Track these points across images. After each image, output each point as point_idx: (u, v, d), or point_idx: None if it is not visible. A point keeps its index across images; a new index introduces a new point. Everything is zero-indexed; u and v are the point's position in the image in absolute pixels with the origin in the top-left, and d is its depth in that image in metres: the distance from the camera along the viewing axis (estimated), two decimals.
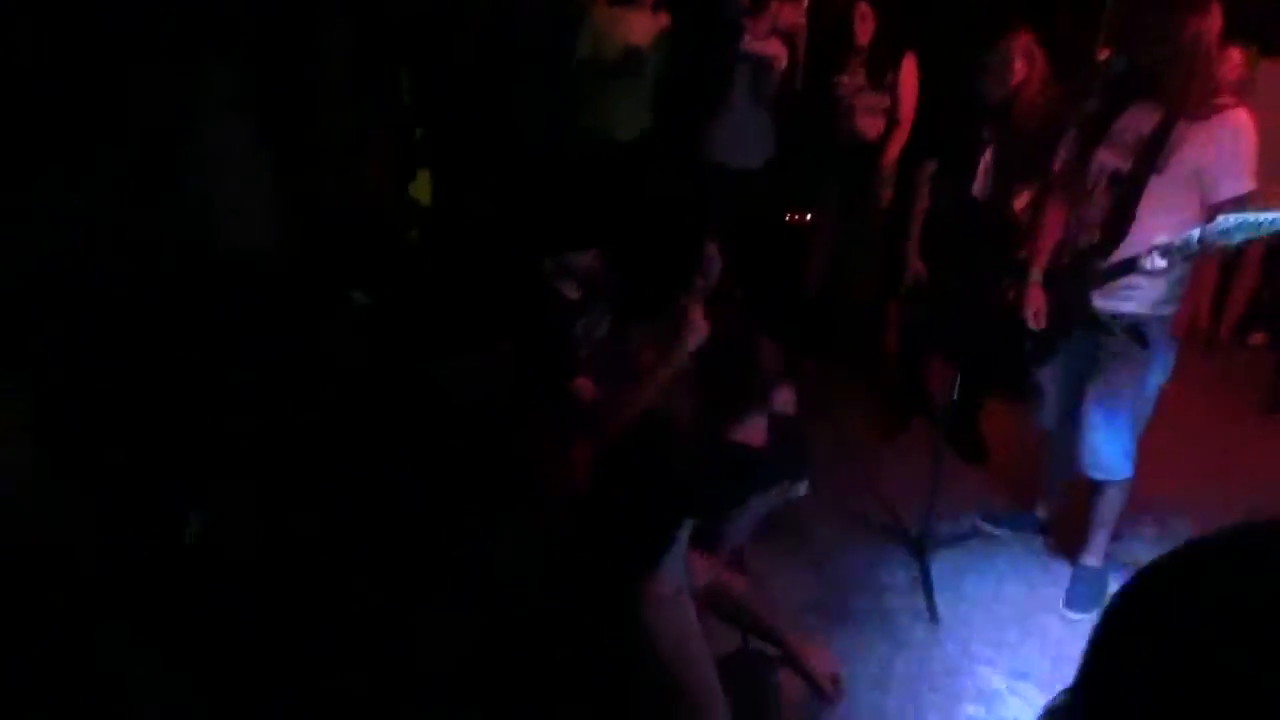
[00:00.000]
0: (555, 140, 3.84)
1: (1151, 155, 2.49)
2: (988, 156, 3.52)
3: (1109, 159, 2.60)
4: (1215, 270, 4.63)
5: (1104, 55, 3.14)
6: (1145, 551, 3.26)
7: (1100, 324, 2.70)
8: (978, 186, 3.55)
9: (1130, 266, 2.55)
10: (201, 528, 2.08)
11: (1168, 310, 2.70)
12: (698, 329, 2.27)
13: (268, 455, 2.16)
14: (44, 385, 1.98)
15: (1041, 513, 3.35)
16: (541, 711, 1.38)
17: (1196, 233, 2.40)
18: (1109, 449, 2.83)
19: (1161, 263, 2.47)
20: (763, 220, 4.33)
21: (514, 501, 1.75)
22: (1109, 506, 2.98)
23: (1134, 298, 2.65)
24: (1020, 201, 3.81)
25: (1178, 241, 2.44)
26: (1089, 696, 0.81)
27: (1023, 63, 3.39)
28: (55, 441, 1.94)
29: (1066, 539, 3.24)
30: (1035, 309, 2.80)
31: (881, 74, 3.98)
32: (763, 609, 2.11)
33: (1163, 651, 0.74)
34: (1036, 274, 2.80)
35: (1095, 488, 2.98)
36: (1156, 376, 2.88)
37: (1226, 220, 2.33)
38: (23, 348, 2.00)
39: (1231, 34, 4.25)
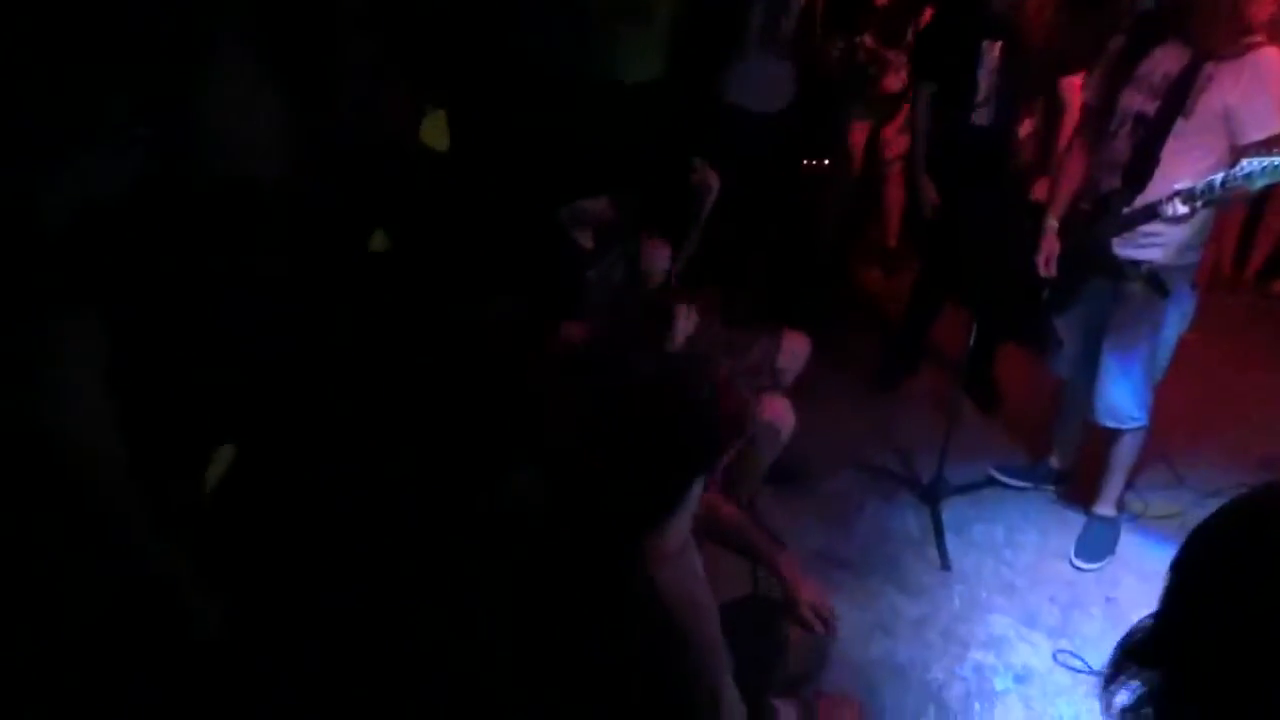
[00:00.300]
0: (567, 82, 3.77)
1: (1179, 97, 2.43)
2: (991, 79, 3.39)
3: (1134, 101, 2.53)
4: (1240, 216, 4.59)
5: None
6: (1159, 502, 3.25)
7: (1120, 271, 2.65)
8: (980, 113, 3.42)
9: (1151, 213, 2.50)
10: (224, 468, 2.09)
11: (1190, 259, 2.65)
12: (684, 326, 2.28)
13: (288, 396, 2.16)
14: (116, 328, 1.96)
15: (1055, 462, 3.33)
16: (546, 669, 1.39)
17: (1219, 177, 2.35)
18: (1124, 398, 2.81)
19: (1183, 209, 2.42)
20: (780, 165, 4.27)
21: (522, 451, 1.75)
22: (1123, 456, 2.96)
23: (1155, 245, 2.60)
24: (1025, 128, 3.71)
25: (1199, 186, 2.38)
26: (1173, 620, 0.82)
27: None
28: (128, 389, 1.93)
29: (1079, 488, 3.23)
30: (1048, 255, 2.76)
31: (901, 31, 3.90)
32: (754, 532, 2.11)
33: (1249, 580, 0.76)
34: (1053, 221, 2.75)
35: (1109, 437, 2.96)
36: (1175, 325, 2.84)
37: (1250, 164, 2.28)
38: (94, 287, 1.97)
39: None
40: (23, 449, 1.67)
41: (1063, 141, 2.97)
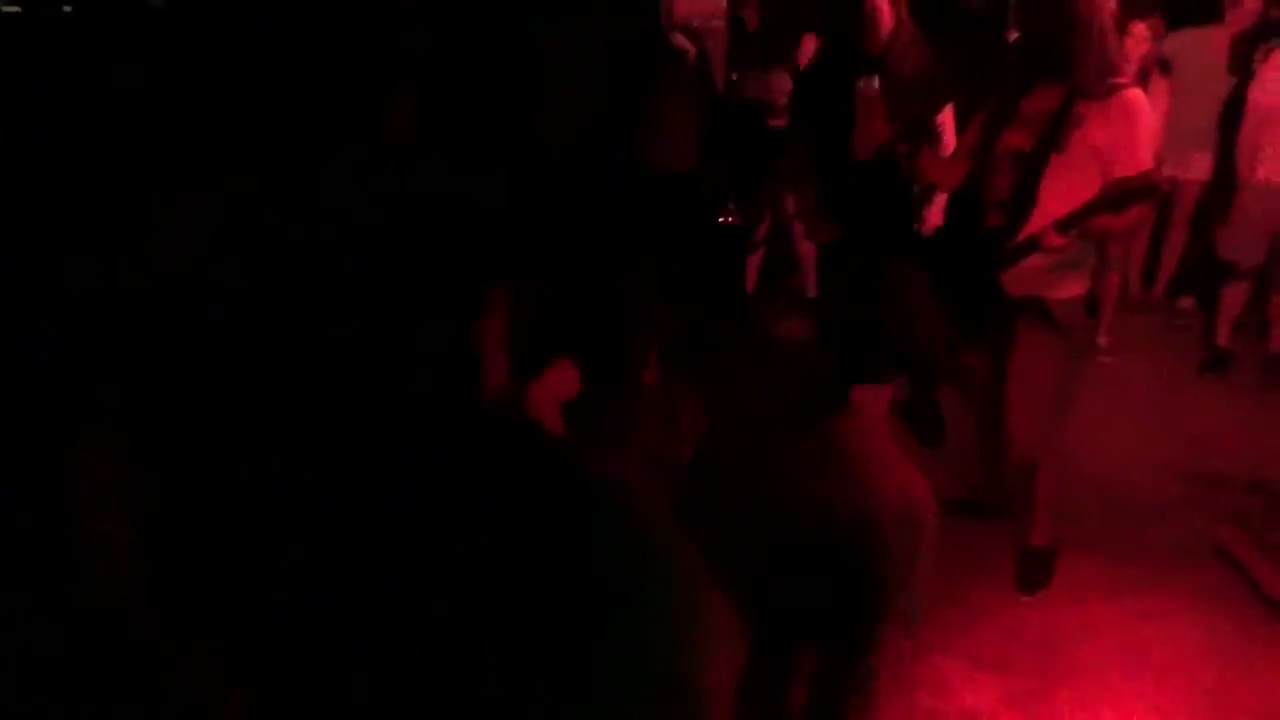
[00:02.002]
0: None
1: (1053, 134, 2.52)
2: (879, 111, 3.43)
3: (1014, 138, 2.62)
4: (1146, 237, 4.75)
5: (1013, 36, 3.16)
6: (1092, 526, 3.28)
7: (1012, 307, 2.71)
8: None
9: (1031, 246, 2.58)
10: None
11: (1074, 289, 2.72)
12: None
13: None
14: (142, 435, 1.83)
15: (988, 497, 3.35)
16: None
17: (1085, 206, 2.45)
18: (1034, 430, 2.84)
19: (1059, 240, 2.49)
20: (697, 224, 4.31)
21: None
22: (1045, 485, 2.99)
23: (1039, 279, 2.66)
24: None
25: (1069, 217, 2.47)
26: None
27: (889, 9, 3.31)
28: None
29: (1014, 521, 3.24)
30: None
31: (783, 53, 3.99)
32: None
33: None
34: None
35: (1029, 469, 2.99)
36: (1077, 354, 2.90)
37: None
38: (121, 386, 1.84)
39: (1139, 7, 4.35)
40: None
41: (934, 173, 3.02)
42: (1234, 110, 4.17)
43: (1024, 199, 2.58)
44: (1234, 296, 4.37)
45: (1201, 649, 2.77)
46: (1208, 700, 2.59)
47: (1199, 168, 4.41)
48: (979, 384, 3.01)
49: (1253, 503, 3.39)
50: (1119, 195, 2.41)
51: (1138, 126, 2.49)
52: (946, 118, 3.54)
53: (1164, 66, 4.33)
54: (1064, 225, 2.49)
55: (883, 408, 2.03)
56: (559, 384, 2.15)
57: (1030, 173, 2.56)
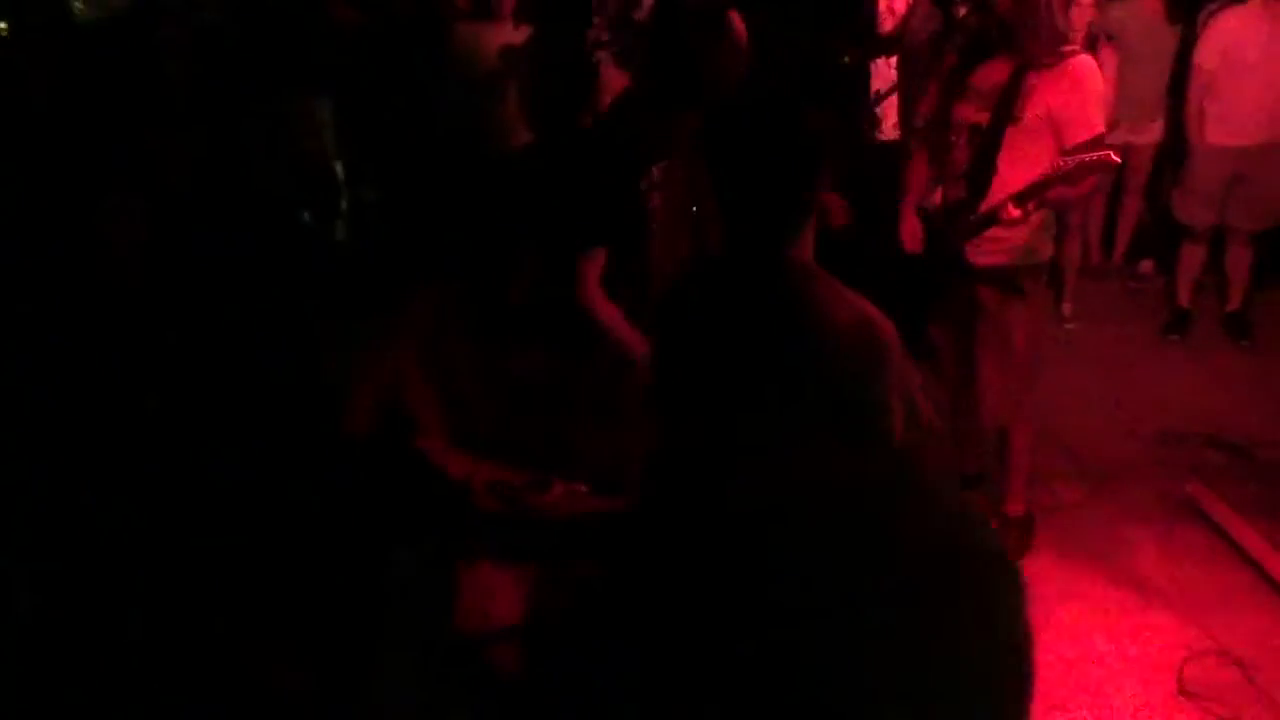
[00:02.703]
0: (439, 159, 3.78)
1: (1007, 105, 2.56)
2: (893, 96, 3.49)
3: (968, 112, 2.66)
4: (1103, 204, 4.82)
5: (963, 11, 3.20)
6: (1067, 490, 3.33)
7: (975, 276, 2.76)
8: (888, 125, 3.52)
9: (991, 219, 2.62)
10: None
11: (1036, 258, 2.77)
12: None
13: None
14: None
15: (968, 467, 3.39)
16: None
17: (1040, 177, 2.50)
18: (1005, 398, 2.89)
19: (1016, 212, 2.54)
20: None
21: None
22: (1019, 453, 3.03)
23: (1001, 249, 2.71)
24: None
25: (1026, 189, 2.52)
26: None
27: None
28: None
29: (991, 491, 3.29)
30: (911, 232, 2.87)
31: None
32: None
33: None
34: (909, 201, 2.89)
35: (1003, 437, 3.03)
36: (1039, 321, 2.95)
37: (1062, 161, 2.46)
38: None
39: None
40: None
41: None
42: (1181, 75, 4.25)
43: (983, 171, 2.62)
44: (1192, 257, 4.45)
45: (1177, 601, 2.84)
46: (1186, 651, 2.65)
47: (1151, 133, 4.49)
48: (948, 357, 3.05)
49: (1218, 458, 3.47)
50: (1075, 169, 2.45)
51: (1089, 91, 2.54)
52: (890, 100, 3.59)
53: (1109, 35, 4.39)
54: (1022, 198, 2.53)
55: None
56: None
57: (988, 145, 2.59)
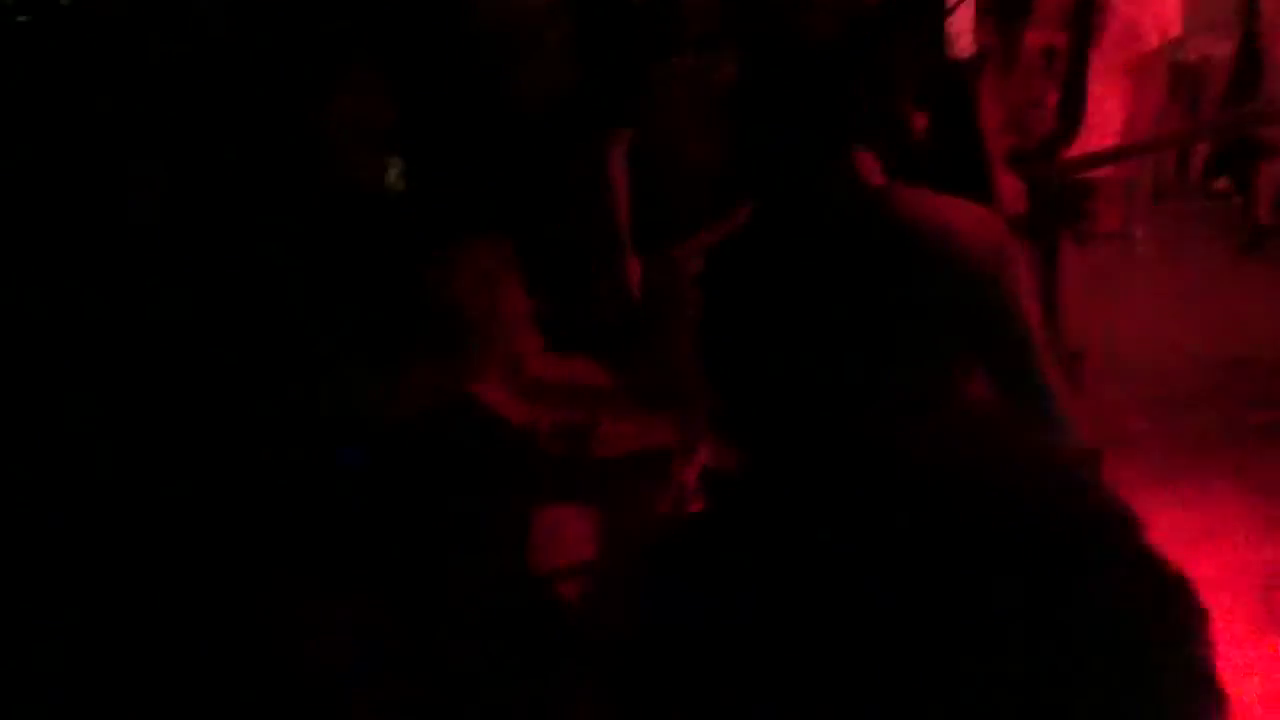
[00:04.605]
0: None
1: (1084, 25, 2.43)
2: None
3: (1037, 38, 2.54)
4: (1176, 119, 4.62)
5: None
6: (1135, 420, 3.26)
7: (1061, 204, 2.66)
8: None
9: (1105, 158, 2.51)
10: None
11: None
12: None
13: None
14: None
15: None
16: None
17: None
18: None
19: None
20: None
21: None
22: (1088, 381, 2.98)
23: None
24: None
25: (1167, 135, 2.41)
26: None
27: None
28: None
29: None
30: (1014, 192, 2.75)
31: None
32: None
33: None
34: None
35: (1078, 360, 2.97)
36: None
37: None
38: None
39: None
40: None
41: None
42: None
43: (1074, 99, 2.47)
44: (1270, 174, 4.27)
45: (1245, 525, 2.80)
46: (1265, 578, 2.60)
47: (1227, 44, 4.29)
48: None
49: None
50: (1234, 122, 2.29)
51: None
52: None
53: None
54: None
55: None
56: None
57: (1075, 72, 2.44)
